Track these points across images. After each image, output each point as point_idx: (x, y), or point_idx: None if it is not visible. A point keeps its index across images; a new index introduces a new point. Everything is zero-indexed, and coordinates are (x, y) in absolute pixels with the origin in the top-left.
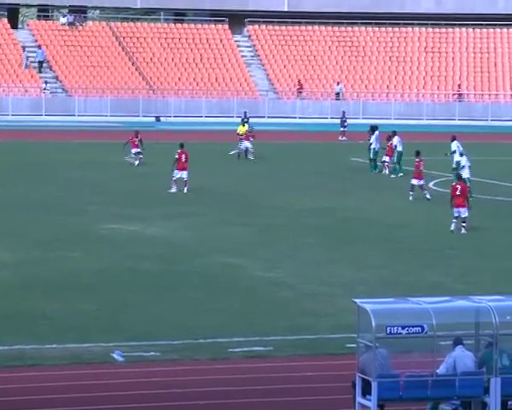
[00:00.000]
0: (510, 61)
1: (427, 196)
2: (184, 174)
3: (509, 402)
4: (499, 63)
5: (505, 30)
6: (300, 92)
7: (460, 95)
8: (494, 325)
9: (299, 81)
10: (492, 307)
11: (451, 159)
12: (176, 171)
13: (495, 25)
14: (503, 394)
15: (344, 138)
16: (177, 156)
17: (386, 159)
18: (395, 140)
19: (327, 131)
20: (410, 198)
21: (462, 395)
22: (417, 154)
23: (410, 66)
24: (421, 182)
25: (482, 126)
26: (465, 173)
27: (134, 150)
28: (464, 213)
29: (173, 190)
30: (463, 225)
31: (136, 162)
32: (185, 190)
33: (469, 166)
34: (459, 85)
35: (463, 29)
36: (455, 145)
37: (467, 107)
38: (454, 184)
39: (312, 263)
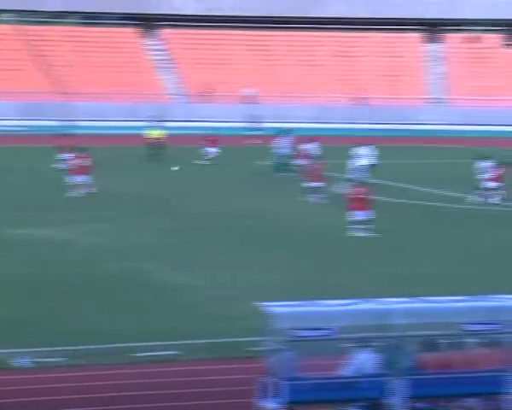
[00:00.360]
0: (419, 65)
1: (322, 200)
2: (86, 178)
3: (417, 404)
4: (409, 67)
5: (416, 34)
6: (209, 96)
7: (364, 98)
8: (399, 327)
9: (207, 85)
10: (398, 310)
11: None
12: (77, 175)
13: (404, 29)
14: (408, 395)
15: (258, 142)
16: (79, 160)
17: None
18: (309, 145)
19: (239, 134)
20: (311, 200)
21: (367, 396)
22: (311, 157)
23: (321, 69)
24: (320, 184)
25: (391, 130)
26: (356, 175)
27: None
28: (364, 216)
29: (74, 193)
30: (363, 227)
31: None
32: (86, 194)
33: (363, 169)
34: (363, 89)
35: (374, 33)
36: (364, 151)
37: (375, 110)
38: (354, 187)
39: (220, 267)
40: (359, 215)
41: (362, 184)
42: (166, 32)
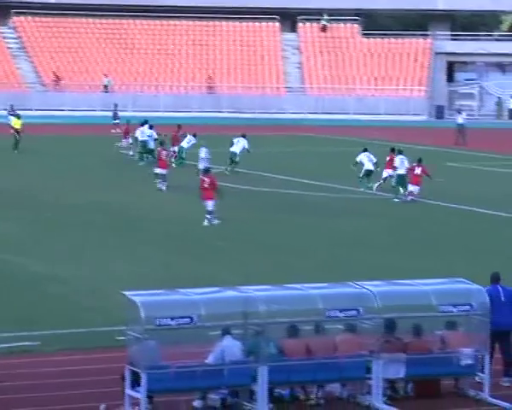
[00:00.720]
0: (276, 54)
1: (162, 188)
2: None
3: (275, 390)
4: (266, 56)
5: (270, 23)
6: (57, 84)
7: (210, 87)
8: (261, 314)
9: (54, 73)
10: (259, 297)
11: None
12: None
13: (260, 18)
14: (270, 381)
15: (117, 131)
16: None
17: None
18: (187, 139)
19: (96, 123)
20: (159, 186)
21: (230, 383)
22: (161, 144)
23: (178, 58)
24: (164, 171)
25: (249, 119)
26: (201, 165)
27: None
28: (210, 205)
29: None
30: (208, 216)
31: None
32: None
33: (208, 159)
34: (210, 77)
35: (230, 22)
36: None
37: (235, 99)
38: (201, 176)
39: (86, 258)
40: (208, 205)
41: (207, 172)
42: (21, 20)
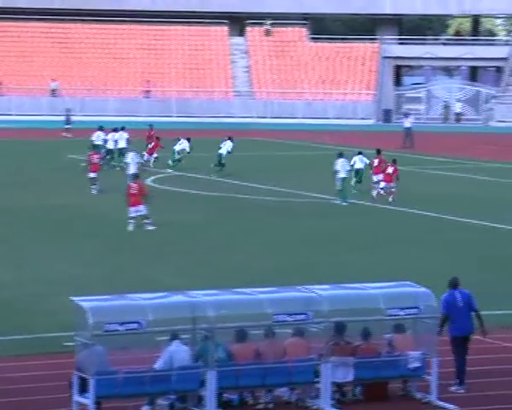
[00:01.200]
0: (225, 59)
1: (94, 192)
2: None
3: (224, 395)
4: (214, 60)
5: (219, 28)
6: None
7: (148, 91)
8: (210, 319)
9: None
10: (208, 302)
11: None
12: None
13: (209, 22)
14: (219, 386)
15: (69, 135)
16: None
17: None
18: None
19: (44, 128)
20: (93, 192)
21: (178, 389)
22: (93, 147)
23: (126, 62)
24: (95, 175)
25: (198, 123)
26: (131, 170)
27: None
28: (142, 210)
29: None
30: (146, 221)
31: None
32: None
33: (137, 163)
34: (148, 81)
35: (178, 26)
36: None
37: (184, 103)
38: (130, 183)
39: (31, 261)
40: (136, 211)
41: (136, 178)
42: None
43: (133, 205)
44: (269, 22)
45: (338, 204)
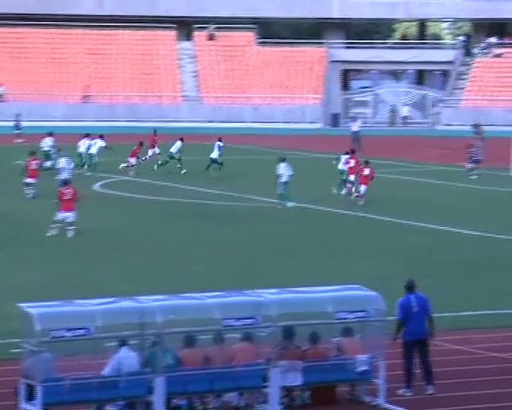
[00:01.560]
0: (173, 63)
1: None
2: None
3: (173, 400)
4: (162, 65)
5: (166, 32)
6: None
7: (88, 96)
8: (158, 325)
9: None
10: (156, 307)
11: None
12: None
13: (156, 27)
14: (167, 392)
15: (20, 140)
16: None
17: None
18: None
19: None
20: (29, 196)
21: (126, 395)
22: (32, 153)
23: (74, 67)
24: (33, 181)
25: (146, 127)
26: (64, 175)
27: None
28: (70, 217)
29: None
30: (71, 228)
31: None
32: None
33: (69, 169)
34: (87, 87)
35: (125, 31)
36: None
37: (132, 108)
38: (61, 188)
39: None
40: (66, 216)
41: (67, 184)
42: None
43: (63, 210)
44: (212, 26)
45: (283, 208)
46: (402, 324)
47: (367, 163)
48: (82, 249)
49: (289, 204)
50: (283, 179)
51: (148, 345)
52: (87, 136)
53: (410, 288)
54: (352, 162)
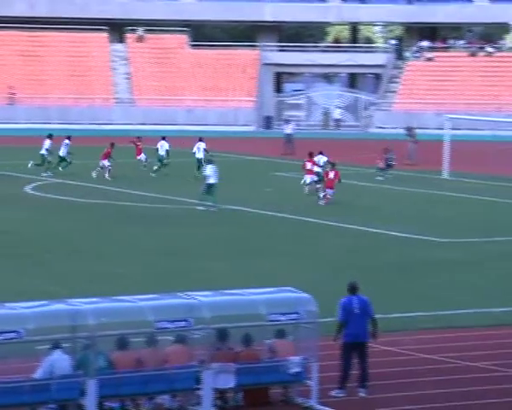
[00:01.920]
0: (105, 65)
1: None
2: None
3: (105, 403)
4: (94, 67)
5: (99, 34)
6: None
7: (11, 97)
8: (90, 327)
9: None
10: (88, 310)
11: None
12: None
13: (89, 29)
14: (100, 394)
15: None
16: None
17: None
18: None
19: None
20: None
21: (58, 398)
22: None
23: (5, 69)
24: None
25: (78, 130)
26: None
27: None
28: None
29: None
30: None
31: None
32: None
33: None
34: (11, 87)
35: (58, 33)
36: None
37: (64, 110)
38: None
39: None
40: None
41: None
42: None
43: None
44: (141, 29)
45: (206, 209)
46: (343, 325)
47: (333, 166)
48: (9, 252)
49: (200, 207)
50: (210, 181)
51: (81, 348)
52: (49, 137)
53: (353, 290)
54: (309, 165)
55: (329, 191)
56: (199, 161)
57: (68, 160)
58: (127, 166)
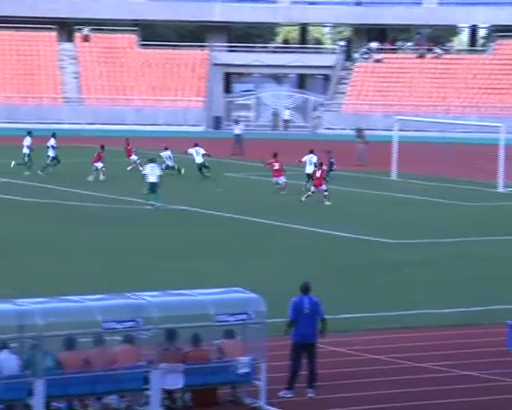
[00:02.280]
0: (53, 64)
1: None
2: None
3: (53, 403)
4: (43, 66)
5: (47, 33)
6: None
7: None
8: (38, 327)
9: None
10: (36, 310)
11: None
12: None
13: (37, 28)
14: (47, 395)
15: None
16: None
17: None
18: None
19: None
20: None
21: (5, 398)
22: None
23: None
24: None
25: (26, 129)
26: None
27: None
28: None
29: None
30: None
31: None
32: None
33: None
34: None
35: (5, 31)
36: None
37: (11, 109)
38: None
39: None
40: None
41: None
42: None
43: None
44: (87, 28)
45: (152, 208)
46: (292, 324)
47: (320, 165)
48: None
49: (148, 207)
50: (150, 180)
51: (28, 348)
52: (29, 134)
53: (305, 290)
54: (277, 165)
55: (317, 189)
56: (199, 165)
57: (52, 158)
58: (72, 166)
